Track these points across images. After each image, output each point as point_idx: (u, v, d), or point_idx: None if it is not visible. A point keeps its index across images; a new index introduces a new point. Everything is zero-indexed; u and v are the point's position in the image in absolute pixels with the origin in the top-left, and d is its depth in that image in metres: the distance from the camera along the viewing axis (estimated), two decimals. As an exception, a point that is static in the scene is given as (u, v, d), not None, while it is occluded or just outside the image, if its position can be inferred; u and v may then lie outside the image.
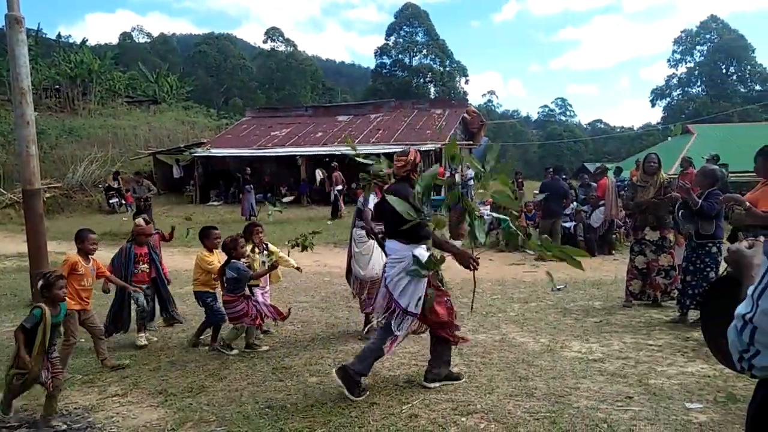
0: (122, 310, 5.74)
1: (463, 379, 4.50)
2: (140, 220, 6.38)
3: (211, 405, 4.16)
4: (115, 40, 65.90)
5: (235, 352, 5.44)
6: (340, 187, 19.30)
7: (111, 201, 21.72)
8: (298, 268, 6.28)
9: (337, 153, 22.65)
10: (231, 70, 60.51)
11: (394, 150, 23.92)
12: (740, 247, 1.50)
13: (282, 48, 62.31)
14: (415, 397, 4.19)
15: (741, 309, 1.26)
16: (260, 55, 64.97)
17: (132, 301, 5.72)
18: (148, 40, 69.04)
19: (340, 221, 16.46)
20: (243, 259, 5.54)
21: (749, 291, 1.25)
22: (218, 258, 5.78)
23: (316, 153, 24.11)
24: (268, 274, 5.95)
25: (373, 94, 54.04)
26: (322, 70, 69.63)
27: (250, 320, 5.42)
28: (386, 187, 4.74)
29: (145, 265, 5.89)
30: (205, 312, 5.77)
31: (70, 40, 48.97)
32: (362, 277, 5.68)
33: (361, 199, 5.69)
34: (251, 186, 18.91)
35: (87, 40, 45.06)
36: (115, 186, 22.07)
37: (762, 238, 5.11)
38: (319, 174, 23.70)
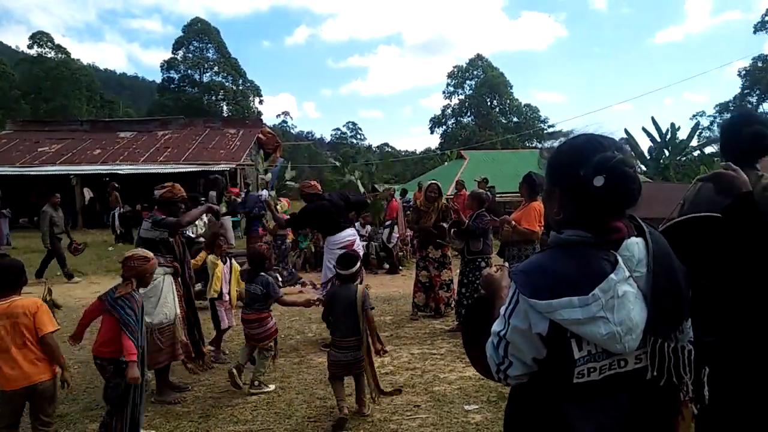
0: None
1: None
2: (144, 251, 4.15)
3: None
4: None
5: (272, 387, 4.92)
6: (123, 209, 17.67)
7: None
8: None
9: (119, 172, 20.94)
10: (-14, 76, 52.24)
11: (185, 170, 22.59)
12: (490, 272, 1.75)
13: (51, 54, 55.48)
14: (211, 429, 4.04)
15: (496, 327, 1.45)
16: (24, 62, 56.86)
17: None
18: None
19: (126, 246, 15.14)
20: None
21: (501, 311, 1.46)
22: None
23: (94, 171, 21.97)
24: (231, 290, 5.71)
25: (159, 110, 50.83)
26: (101, 81, 63.61)
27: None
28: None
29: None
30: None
31: None
32: (151, 325, 4.49)
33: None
34: (8, 210, 16.27)
35: None
36: None
37: (507, 263, 5.96)
38: (87, 193, 21.62)
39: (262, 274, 4.97)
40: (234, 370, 4.78)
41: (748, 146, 2.46)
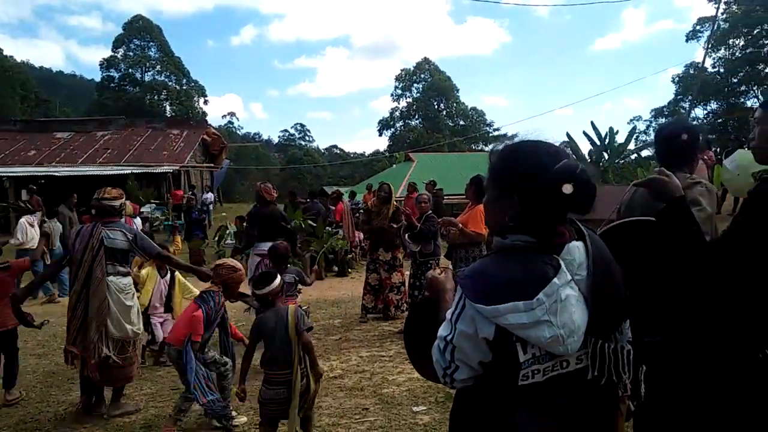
0: None
1: None
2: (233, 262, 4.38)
3: None
4: None
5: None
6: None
7: None
8: None
9: (56, 174, 20.09)
10: None
11: (126, 172, 21.77)
12: (435, 275, 1.75)
13: (-18, 51, 52.69)
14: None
15: (442, 331, 1.45)
16: (-48, 58, 53.88)
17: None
18: None
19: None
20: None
21: (447, 315, 1.46)
22: None
23: (28, 174, 20.98)
24: (165, 301, 5.73)
25: (99, 110, 48.94)
26: (36, 79, 60.57)
27: None
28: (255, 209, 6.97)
29: None
30: None
31: None
32: (132, 336, 4.49)
33: (126, 235, 4.45)
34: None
35: None
36: None
37: (450, 265, 6.06)
38: (26, 195, 20.69)
39: (289, 266, 5.50)
40: None
41: (663, 149, 2.64)
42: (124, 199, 4.67)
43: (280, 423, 3.50)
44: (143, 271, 5.65)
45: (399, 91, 63.60)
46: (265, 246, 6.45)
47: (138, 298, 5.44)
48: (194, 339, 3.93)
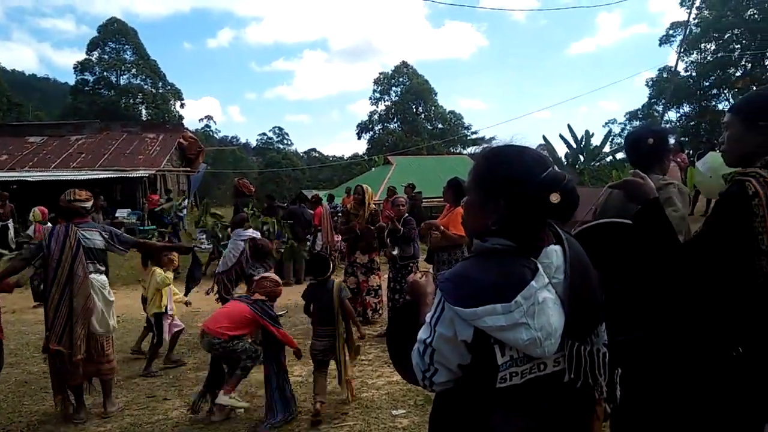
0: None
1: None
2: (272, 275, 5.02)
3: None
4: None
5: None
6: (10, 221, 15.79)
7: None
8: (187, 303, 6.37)
9: (28, 179, 19.69)
10: None
11: (101, 176, 21.32)
12: (415, 278, 1.76)
13: (-50, 53, 51.60)
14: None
15: (422, 334, 1.46)
16: None
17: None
18: None
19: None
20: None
21: (427, 318, 1.46)
22: None
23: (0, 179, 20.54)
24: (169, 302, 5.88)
25: (73, 114, 48.20)
26: (8, 82, 59.23)
27: None
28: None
29: None
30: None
31: None
32: (112, 330, 4.67)
33: (103, 235, 4.58)
34: None
35: None
36: None
37: (431, 268, 6.08)
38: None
39: (267, 261, 6.25)
40: None
41: (632, 153, 2.74)
42: (93, 201, 4.73)
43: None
44: (157, 271, 5.75)
45: (377, 95, 63.64)
46: (244, 234, 7.24)
47: (153, 300, 5.79)
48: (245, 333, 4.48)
